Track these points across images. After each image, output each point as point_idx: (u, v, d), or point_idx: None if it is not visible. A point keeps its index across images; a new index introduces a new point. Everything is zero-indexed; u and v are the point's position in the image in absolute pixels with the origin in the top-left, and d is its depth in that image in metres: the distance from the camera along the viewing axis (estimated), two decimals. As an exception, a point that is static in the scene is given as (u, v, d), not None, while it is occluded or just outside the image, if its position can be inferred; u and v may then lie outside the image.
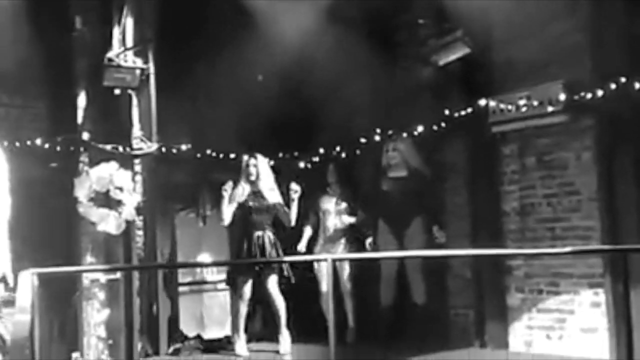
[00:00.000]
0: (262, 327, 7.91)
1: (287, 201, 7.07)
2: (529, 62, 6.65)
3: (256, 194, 7.12)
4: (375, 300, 7.44)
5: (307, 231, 7.68)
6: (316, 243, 7.70)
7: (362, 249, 7.54)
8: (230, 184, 6.92)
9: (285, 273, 7.07)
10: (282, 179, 7.33)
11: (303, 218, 7.55)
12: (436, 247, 7.11)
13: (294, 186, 7.00)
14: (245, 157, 7.23)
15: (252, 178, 7.11)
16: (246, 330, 7.20)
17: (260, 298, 7.25)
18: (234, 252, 7.09)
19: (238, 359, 7.00)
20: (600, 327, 6.32)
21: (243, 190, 7.11)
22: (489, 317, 7.04)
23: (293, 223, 7.14)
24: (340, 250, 7.56)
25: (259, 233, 7.05)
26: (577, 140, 6.55)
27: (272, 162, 7.97)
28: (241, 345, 7.09)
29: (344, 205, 7.67)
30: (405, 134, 7.49)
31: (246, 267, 7.02)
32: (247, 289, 7.03)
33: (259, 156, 7.21)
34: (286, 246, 7.23)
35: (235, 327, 7.18)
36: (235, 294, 7.18)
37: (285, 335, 7.12)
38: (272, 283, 7.05)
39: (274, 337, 7.29)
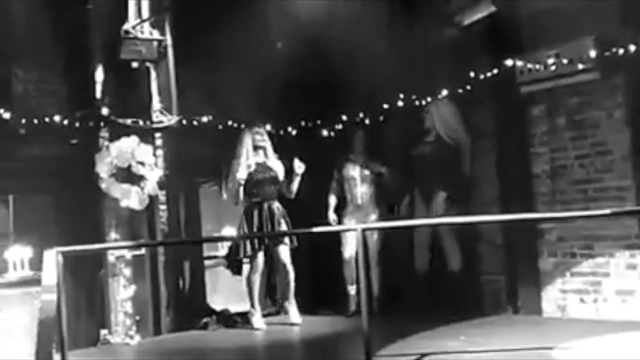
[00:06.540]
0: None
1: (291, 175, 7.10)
2: (557, 18, 6.41)
3: (263, 165, 7.06)
4: (407, 269, 7.32)
5: (332, 200, 7.60)
6: (343, 212, 7.58)
7: (392, 215, 7.42)
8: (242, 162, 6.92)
9: (295, 244, 7.08)
10: (304, 148, 7.20)
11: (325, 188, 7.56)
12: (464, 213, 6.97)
13: (298, 161, 7.02)
14: (250, 128, 7.19)
15: (262, 145, 7.11)
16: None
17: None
18: (242, 225, 7.03)
19: (256, 332, 6.95)
20: (637, 289, 6.19)
21: (252, 163, 7.06)
22: (521, 283, 6.91)
23: (293, 195, 7.15)
24: (372, 220, 7.42)
25: (267, 204, 7.01)
26: (608, 99, 6.37)
27: (294, 131, 7.94)
28: (257, 318, 7.06)
29: (367, 172, 7.54)
30: (432, 97, 7.32)
31: (258, 240, 6.99)
32: (261, 261, 7.01)
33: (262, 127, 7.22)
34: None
35: (250, 301, 7.13)
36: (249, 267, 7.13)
37: (294, 305, 7.15)
38: (285, 253, 7.05)
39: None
